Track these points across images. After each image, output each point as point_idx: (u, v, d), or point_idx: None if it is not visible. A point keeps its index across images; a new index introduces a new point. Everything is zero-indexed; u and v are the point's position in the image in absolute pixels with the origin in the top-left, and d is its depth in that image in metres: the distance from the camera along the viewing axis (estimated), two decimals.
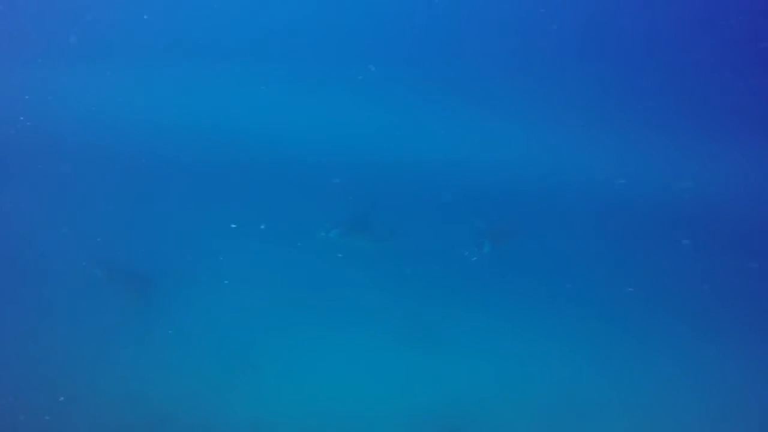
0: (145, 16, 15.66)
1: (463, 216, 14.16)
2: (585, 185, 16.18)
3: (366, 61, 15.97)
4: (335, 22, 16.06)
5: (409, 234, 13.53)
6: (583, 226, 15.44)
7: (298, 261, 13.92)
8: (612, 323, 12.71)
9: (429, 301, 12.98)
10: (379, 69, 16.02)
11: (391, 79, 16.51)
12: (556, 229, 15.10)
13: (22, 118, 16.75)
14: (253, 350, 11.34)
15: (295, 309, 12.57)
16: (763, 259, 14.02)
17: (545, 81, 16.16)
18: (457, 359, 11.41)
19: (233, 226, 14.11)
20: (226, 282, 13.09)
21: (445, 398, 10.35)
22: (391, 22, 15.86)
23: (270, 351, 11.37)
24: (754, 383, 11.27)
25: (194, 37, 16.54)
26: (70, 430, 9.39)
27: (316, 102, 17.58)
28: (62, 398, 9.88)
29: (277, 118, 17.89)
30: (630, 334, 12.46)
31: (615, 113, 16.55)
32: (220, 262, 13.86)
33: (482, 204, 15.37)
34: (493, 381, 10.91)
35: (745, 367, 11.81)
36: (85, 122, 17.03)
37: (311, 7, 15.96)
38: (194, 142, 17.09)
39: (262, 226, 14.48)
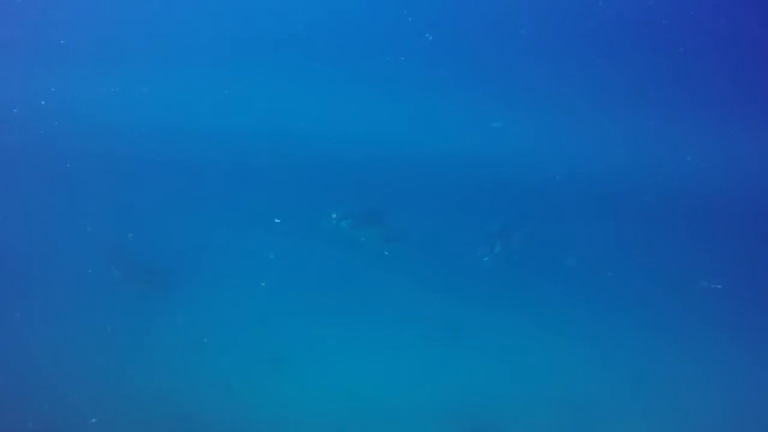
0: (160, 17, 15.52)
1: (476, 215, 14.14)
2: (604, 182, 16.08)
3: (384, 54, 15.81)
4: (351, 14, 15.86)
5: (425, 229, 13.52)
6: (604, 221, 15.35)
7: (320, 256, 13.89)
8: (638, 319, 12.59)
9: (452, 298, 12.94)
10: (396, 63, 15.88)
11: (406, 74, 16.37)
12: (577, 224, 15.02)
13: (42, 104, 16.74)
14: (277, 346, 11.38)
15: (320, 304, 12.57)
16: None
17: (564, 76, 15.95)
18: (483, 356, 11.41)
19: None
20: (249, 278, 13.10)
21: (473, 395, 10.43)
22: (406, 15, 15.65)
23: (295, 347, 11.41)
24: None
25: (209, 36, 16.37)
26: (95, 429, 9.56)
27: (331, 97, 17.46)
28: (86, 399, 10.03)
29: (292, 113, 17.80)
30: (656, 332, 12.32)
31: (634, 108, 16.37)
32: (241, 257, 13.88)
33: (497, 202, 15.30)
34: (519, 378, 10.97)
35: None
36: (100, 122, 17.01)
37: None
38: (208, 139, 17.09)
39: (278, 220, 14.51)
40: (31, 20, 15.60)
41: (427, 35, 15.79)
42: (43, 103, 16.80)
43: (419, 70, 16.12)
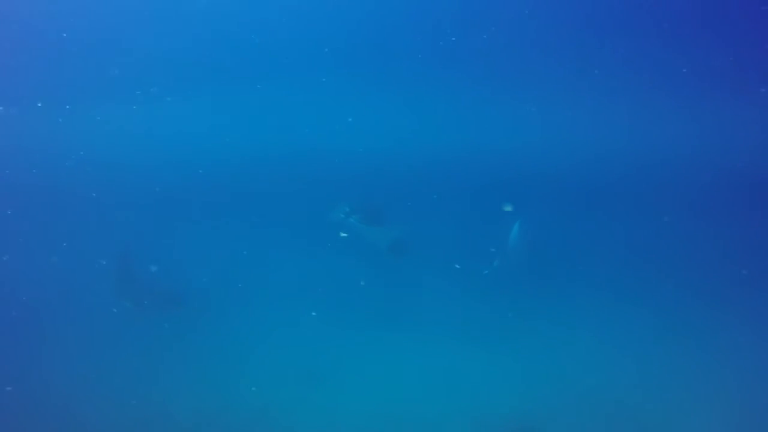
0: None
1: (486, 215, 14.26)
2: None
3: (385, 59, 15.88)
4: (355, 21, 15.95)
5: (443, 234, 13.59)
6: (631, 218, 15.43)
7: (340, 267, 13.96)
8: (675, 319, 12.54)
9: (478, 302, 12.99)
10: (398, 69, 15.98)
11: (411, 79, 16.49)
12: (593, 221, 15.11)
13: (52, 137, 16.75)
14: (311, 360, 11.40)
15: (349, 317, 12.61)
16: None
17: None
18: (520, 361, 11.44)
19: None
20: (274, 295, 13.14)
21: (510, 401, 10.41)
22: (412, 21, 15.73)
23: (330, 360, 11.42)
24: None
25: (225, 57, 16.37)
26: None
27: (333, 104, 17.55)
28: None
29: (298, 127, 17.90)
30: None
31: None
32: (264, 274, 13.92)
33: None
34: (561, 383, 10.93)
35: None
36: (112, 152, 17.07)
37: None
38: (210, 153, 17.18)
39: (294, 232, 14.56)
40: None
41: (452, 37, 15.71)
42: (51, 137, 16.90)
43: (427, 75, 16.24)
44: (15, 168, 16.66)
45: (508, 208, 13.12)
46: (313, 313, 12.76)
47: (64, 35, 14.39)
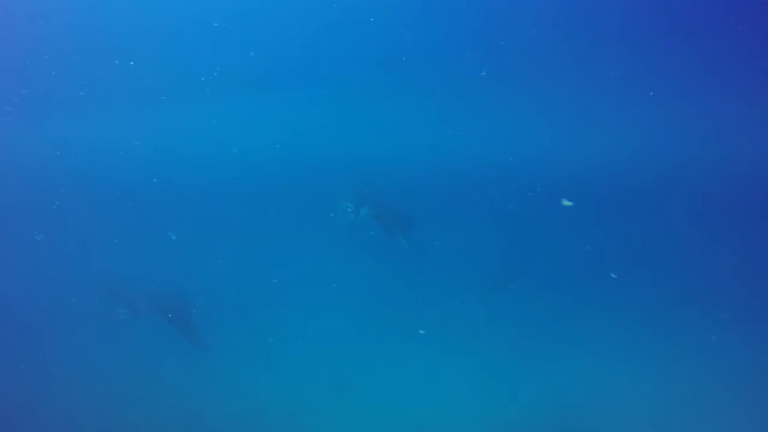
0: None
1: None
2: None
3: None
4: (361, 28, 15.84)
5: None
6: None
7: (361, 271, 13.72)
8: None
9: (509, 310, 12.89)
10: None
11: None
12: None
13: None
14: (342, 369, 11.10)
15: (378, 324, 12.39)
16: None
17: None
18: (552, 368, 11.38)
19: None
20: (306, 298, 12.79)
21: (543, 408, 10.25)
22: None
23: (359, 368, 11.17)
24: None
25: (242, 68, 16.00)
26: None
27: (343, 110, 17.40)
28: None
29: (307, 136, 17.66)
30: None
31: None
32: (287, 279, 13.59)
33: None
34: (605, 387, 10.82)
35: None
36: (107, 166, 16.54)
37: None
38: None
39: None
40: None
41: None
42: (58, 153, 16.31)
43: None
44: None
45: (567, 203, 13.00)
46: (336, 320, 12.48)
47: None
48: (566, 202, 13.11)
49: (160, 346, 11.51)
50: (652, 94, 16.03)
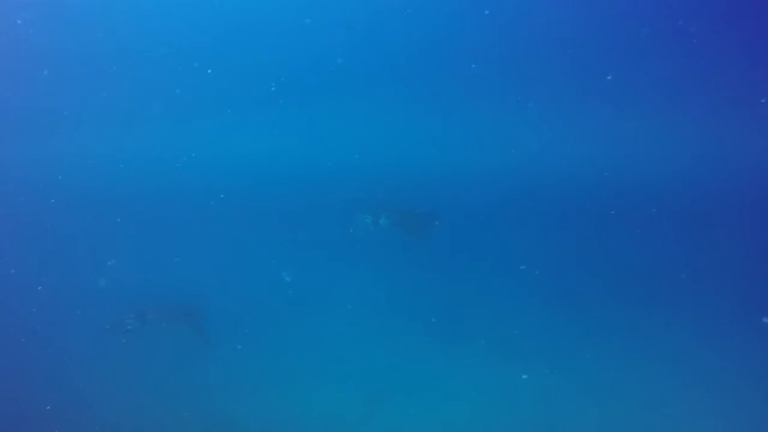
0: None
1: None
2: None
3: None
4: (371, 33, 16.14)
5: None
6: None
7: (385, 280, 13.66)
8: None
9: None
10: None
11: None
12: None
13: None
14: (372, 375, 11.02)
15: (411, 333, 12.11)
16: None
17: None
18: (597, 379, 11.07)
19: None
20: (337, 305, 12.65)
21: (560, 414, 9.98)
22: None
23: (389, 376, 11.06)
24: None
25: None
26: None
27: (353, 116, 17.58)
28: None
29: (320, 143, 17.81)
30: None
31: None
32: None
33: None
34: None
35: None
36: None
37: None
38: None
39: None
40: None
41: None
42: (60, 178, 16.49)
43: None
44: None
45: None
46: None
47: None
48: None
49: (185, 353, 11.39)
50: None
